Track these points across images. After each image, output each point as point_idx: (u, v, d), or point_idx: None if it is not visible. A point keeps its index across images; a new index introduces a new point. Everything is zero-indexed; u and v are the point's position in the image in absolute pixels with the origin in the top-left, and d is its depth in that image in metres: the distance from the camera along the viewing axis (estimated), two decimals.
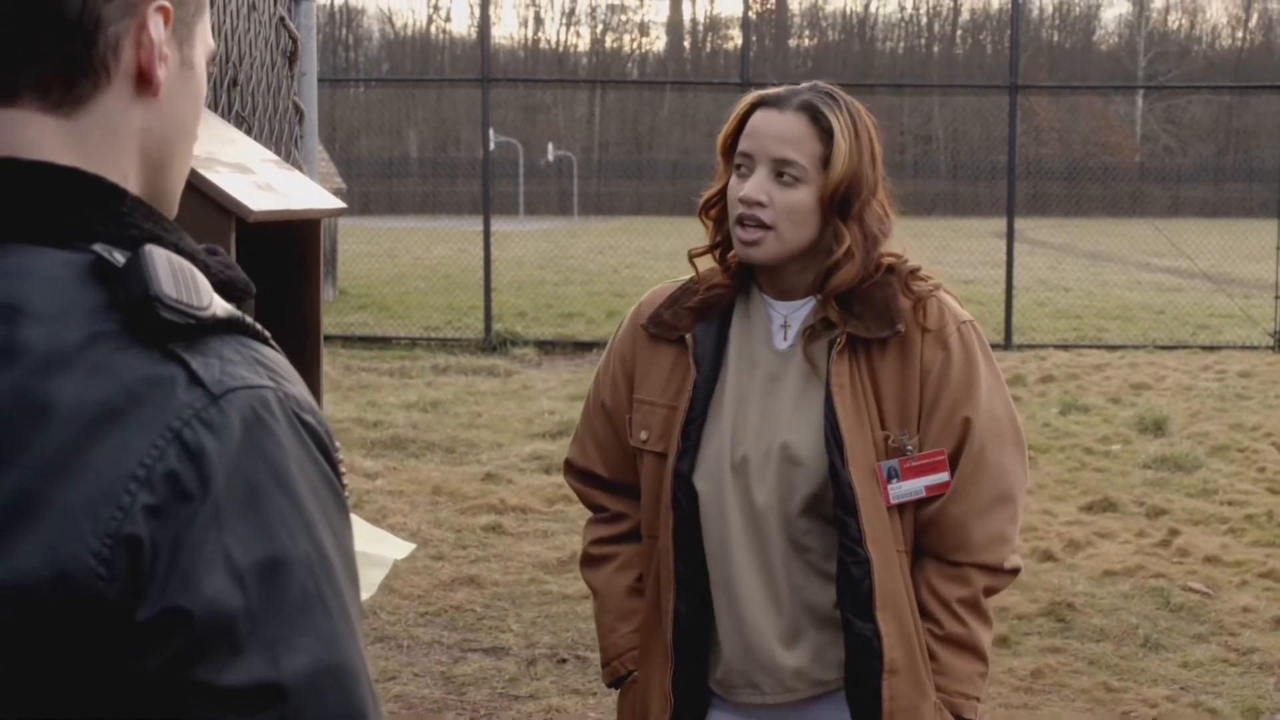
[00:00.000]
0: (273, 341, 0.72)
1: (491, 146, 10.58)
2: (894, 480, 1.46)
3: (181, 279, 0.67)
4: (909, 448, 1.46)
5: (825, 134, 1.45)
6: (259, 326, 0.71)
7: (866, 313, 1.47)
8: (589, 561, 1.65)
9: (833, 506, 1.45)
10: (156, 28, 0.72)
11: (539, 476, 5.69)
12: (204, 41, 0.78)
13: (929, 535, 1.50)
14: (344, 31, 39.53)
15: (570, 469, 1.67)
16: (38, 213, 0.68)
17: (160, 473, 0.63)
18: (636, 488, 1.60)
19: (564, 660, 3.64)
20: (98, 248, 0.68)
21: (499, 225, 10.59)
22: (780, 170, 1.45)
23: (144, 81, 0.72)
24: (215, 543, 0.63)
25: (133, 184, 0.73)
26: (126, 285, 0.66)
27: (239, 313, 0.70)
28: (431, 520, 4.95)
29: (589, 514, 1.70)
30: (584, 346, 9.83)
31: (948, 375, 1.47)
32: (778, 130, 1.46)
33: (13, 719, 0.63)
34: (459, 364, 8.81)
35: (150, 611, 0.62)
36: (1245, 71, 37.60)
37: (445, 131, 32.99)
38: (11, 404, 0.64)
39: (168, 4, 0.73)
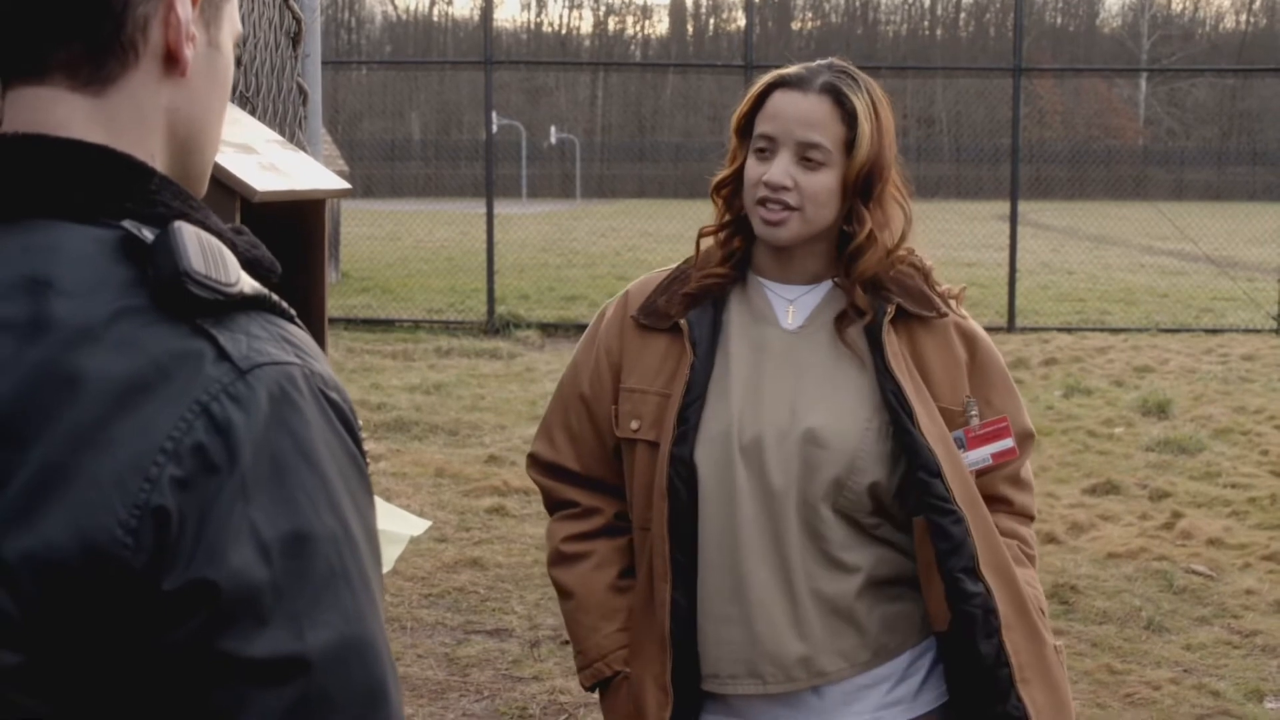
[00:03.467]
0: (298, 319, 0.72)
1: (494, 129, 10.52)
2: (961, 450, 1.46)
3: (210, 255, 0.67)
4: (973, 416, 1.47)
5: (849, 117, 1.43)
6: (285, 304, 0.72)
7: (905, 295, 1.47)
8: (561, 560, 1.57)
9: (915, 472, 1.42)
10: (184, 8, 0.72)
11: None
12: (231, 23, 0.78)
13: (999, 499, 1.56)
14: (346, 14, 39.31)
15: (535, 463, 1.60)
16: (67, 189, 0.69)
17: (188, 445, 0.63)
18: (610, 483, 1.56)
19: (567, 642, 3.62)
20: (127, 224, 0.69)
21: (501, 208, 10.56)
22: (805, 154, 1.43)
23: (172, 62, 0.73)
24: (242, 516, 0.63)
25: (160, 163, 0.74)
26: (156, 261, 0.66)
27: (266, 290, 0.70)
28: (435, 502, 4.95)
29: (546, 509, 1.63)
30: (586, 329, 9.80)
31: (993, 370, 1.51)
32: (802, 113, 1.43)
33: (41, 691, 0.63)
34: (462, 346, 8.78)
35: (177, 583, 0.63)
36: (1249, 54, 37.39)
37: (448, 114, 32.80)
38: (40, 377, 0.64)
39: None
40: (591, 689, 1.57)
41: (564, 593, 1.57)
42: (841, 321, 1.47)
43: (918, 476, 1.42)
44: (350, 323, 9.91)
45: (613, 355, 1.54)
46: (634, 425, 1.50)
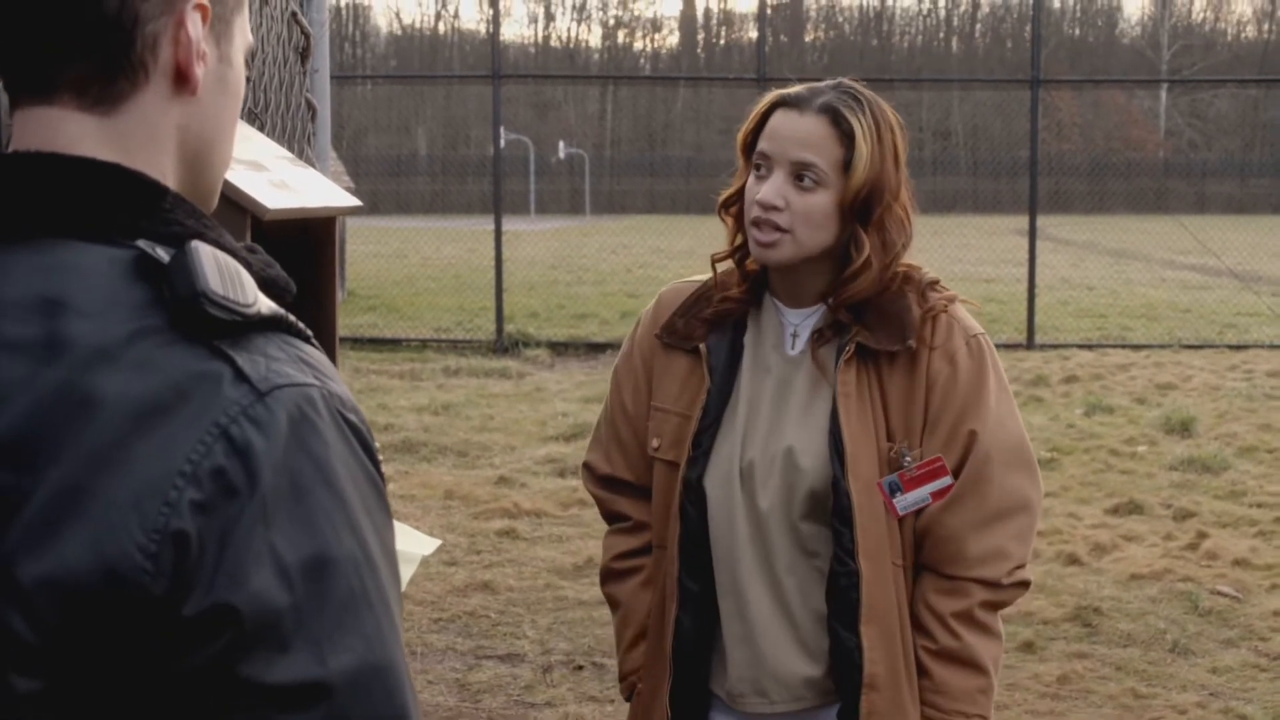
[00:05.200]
0: (314, 340, 0.72)
1: (502, 144, 10.50)
2: (897, 494, 1.45)
3: (227, 276, 0.67)
4: (908, 461, 1.44)
5: (846, 138, 1.42)
6: (301, 325, 0.71)
7: (879, 324, 1.45)
8: (612, 576, 1.62)
9: (830, 515, 1.44)
10: (195, 26, 0.72)
11: (553, 480, 5.64)
12: (243, 37, 0.77)
13: (925, 547, 1.48)
14: (351, 28, 39.39)
15: (592, 475, 1.64)
16: (81, 208, 0.68)
17: (207, 469, 0.63)
18: None
19: (580, 667, 3.60)
20: (141, 244, 0.68)
21: (509, 224, 10.48)
22: (799, 173, 1.43)
23: (182, 80, 0.72)
24: (262, 540, 0.63)
25: (171, 181, 0.73)
26: (172, 281, 0.66)
27: (282, 310, 0.70)
28: (444, 525, 4.91)
29: (603, 520, 1.69)
30: (597, 348, 9.74)
31: (954, 389, 1.45)
32: (797, 133, 1.43)
33: (60, 717, 0.62)
34: (470, 366, 8.71)
35: (197, 608, 0.62)
36: (1272, 64, 37.16)
37: (454, 129, 32.81)
38: (57, 399, 0.63)
39: (206, 1, 0.72)
40: (628, 699, 1.63)
41: (613, 604, 1.63)
42: (816, 342, 1.47)
43: (832, 521, 1.44)
44: (356, 342, 9.85)
45: (647, 367, 1.58)
46: (655, 444, 1.54)
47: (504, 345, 9.64)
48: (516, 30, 47.97)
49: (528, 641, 3.76)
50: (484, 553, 4.61)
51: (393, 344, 9.97)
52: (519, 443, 6.39)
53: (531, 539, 4.78)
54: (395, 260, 15.65)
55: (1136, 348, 9.86)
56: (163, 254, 0.68)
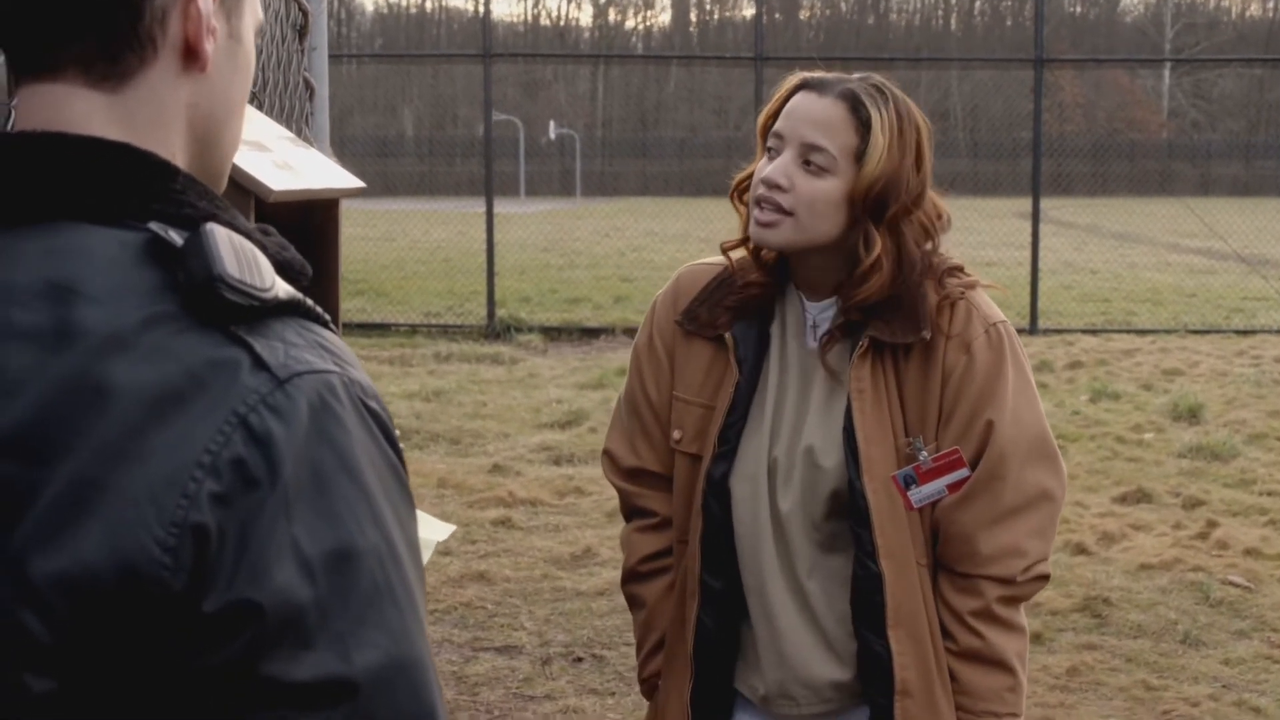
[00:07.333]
0: (332, 325, 0.70)
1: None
2: (912, 487, 1.42)
3: (243, 259, 0.65)
4: (922, 454, 1.41)
5: (863, 126, 1.38)
6: (319, 309, 0.69)
7: (894, 316, 1.40)
8: (637, 577, 1.57)
9: (849, 517, 1.42)
10: (205, 0, 0.70)
11: (548, 468, 5.55)
12: (253, 12, 0.76)
13: (940, 544, 1.45)
14: (336, 5, 38.97)
15: (616, 467, 1.57)
16: (90, 190, 0.66)
17: (227, 459, 0.61)
18: None
19: (580, 659, 3.53)
20: (153, 226, 0.66)
21: (499, 207, 10.26)
22: (808, 156, 1.39)
23: (191, 56, 0.71)
24: (284, 532, 0.62)
25: (181, 160, 0.72)
26: (187, 265, 0.64)
27: (300, 295, 0.68)
28: (438, 514, 4.82)
29: (606, 508, 1.62)
30: (591, 332, 9.63)
31: (969, 380, 1.41)
32: (812, 114, 1.40)
33: (75, 718, 0.61)
34: (461, 351, 8.57)
35: (218, 604, 0.60)
36: (1277, 43, 36.88)
37: (442, 109, 32.38)
38: (69, 387, 0.61)
39: None
40: (648, 697, 1.62)
41: (635, 604, 1.59)
42: (827, 341, 1.44)
43: (850, 523, 1.42)
44: (344, 327, 9.67)
45: (670, 353, 1.53)
46: (676, 435, 1.50)
47: (496, 330, 9.49)
48: (506, 8, 47.65)
49: (525, 633, 3.70)
50: (479, 543, 4.53)
51: (382, 329, 9.81)
52: (513, 430, 6.29)
53: (527, 528, 4.70)
54: (383, 243, 15.41)
55: (1142, 333, 9.77)
56: (175, 237, 0.66)
